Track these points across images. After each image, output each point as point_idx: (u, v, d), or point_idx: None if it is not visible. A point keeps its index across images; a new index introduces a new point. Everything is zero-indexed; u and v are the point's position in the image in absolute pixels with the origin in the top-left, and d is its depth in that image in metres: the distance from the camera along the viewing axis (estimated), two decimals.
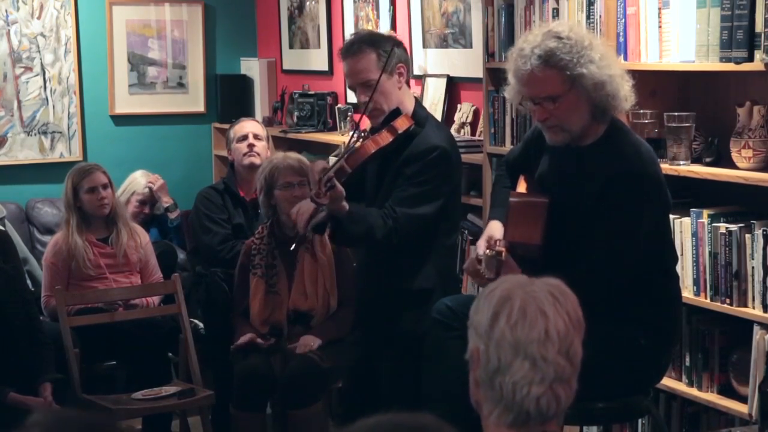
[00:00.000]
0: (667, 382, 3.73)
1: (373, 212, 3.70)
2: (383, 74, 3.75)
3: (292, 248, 4.22)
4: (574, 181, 3.16)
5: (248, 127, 5.27)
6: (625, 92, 3.12)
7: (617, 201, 3.05)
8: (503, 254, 3.06)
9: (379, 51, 3.80)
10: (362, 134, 3.80)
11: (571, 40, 3.06)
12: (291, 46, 6.61)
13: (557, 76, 3.06)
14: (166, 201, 5.78)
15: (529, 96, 3.13)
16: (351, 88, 3.93)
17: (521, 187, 3.32)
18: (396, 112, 3.78)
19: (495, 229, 3.30)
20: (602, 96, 3.07)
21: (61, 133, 6.46)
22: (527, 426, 1.81)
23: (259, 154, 5.15)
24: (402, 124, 3.74)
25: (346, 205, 3.62)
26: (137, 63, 6.68)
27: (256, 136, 5.21)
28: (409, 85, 3.95)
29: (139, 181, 5.79)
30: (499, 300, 1.84)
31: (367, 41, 3.85)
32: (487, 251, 3.09)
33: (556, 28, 3.13)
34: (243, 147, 5.17)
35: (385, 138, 3.70)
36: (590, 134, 3.16)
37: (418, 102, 3.95)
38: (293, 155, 4.59)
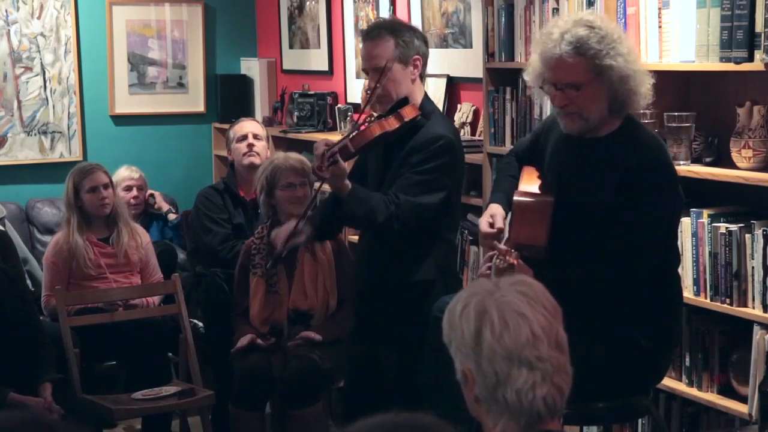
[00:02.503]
0: (667, 382, 3.73)
1: (376, 196, 3.72)
2: (398, 63, 3.76)
3: (268, 266, 4.28)
4: (589, 172, 3.15)
5: (248, 127, 5.27)
6: (645, 90, 3.12)
7: (638, 193, 3.05)
8: (516, 266, 3.04)
9: (399, 39, 3.81)
10: (368, 118, 3.82)
11: (602, 31, 3.07)
12: (291, 46, 6.61)
13: (585, 64, 3.06)
14: (165, 208, 5.84)
15: (553, 81, 3.13)
16: (364, 71, 3.94)
17: (527, 180, 3.31)
18: (404, 101, 3.79)
19: (496, 209, 3.30)
20: (625, 90, 3.08)
21: (61, 133, 6.46)
22: (537, 427, 1.82)
23: (258, 154, 5.15)
24: (409, 113, 3.75)
25: (348, 183, 3.65)
26: (137, 63, 6.68)
27: (255, 136, 5.21)
28: (423, 80, 3.96)
29: (121, 173, 5.80)
30: (477, 316, 1.84)
31: (389, 28, 3.86)
32: (498, 262, 3.07)
33: (587, 17, 3.14)
34: (242, 147, 5.17)
35: (391, 123, 3.71)
36: (605, 126, 3.16)
37: (427, 96, 3.96)
38: (295, 156, 4.59)
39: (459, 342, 1.86)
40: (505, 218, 3.30)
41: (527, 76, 3.27)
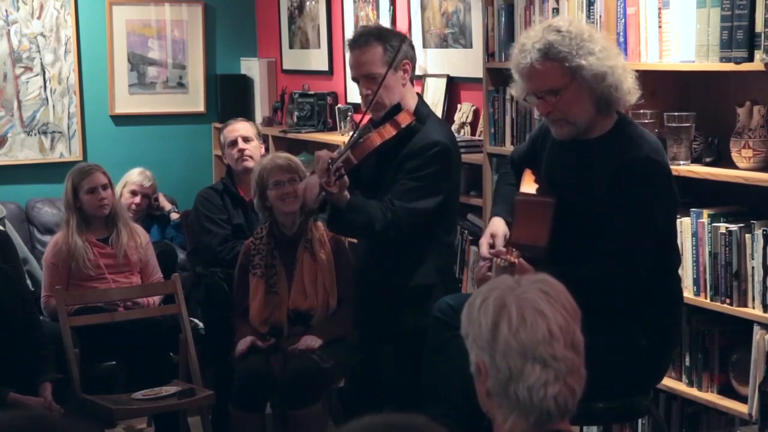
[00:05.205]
0: (667, 382, 3.73)
1: (373, 204, 3.72)
2: (388, 69, 3.76)
3: (301, 219, 4.21)
4: (584, 173, 3.16)
5: (236, 130, 5.24)
6: (629, 85, 3.13)
7: (629, 189, 3.05)
8: (516, 264, 3.05)
9: (386, 45, 3.81)
10: (366, 128, 3.81)
11: (570, 33, 3.08)
12: (291, 46, 6.61)
13: (557, 69, 3.08)
14: (168, 207, 5.84)
15: (532, 90, 3.15)
16: (354, 79, 3.93)
17: (527, 182, 3.32)
18: (397, 107, 3.80)
19: (497, 226, 3.31)
20: (604, 88, 3.08)
21: (61, 133, 6.46)
22: (547, 426, 1.82)
23: (251, 157, 5.15)
24: (404, 119, 3.75)
25: (347, 194, 3.64)
26: (137, 63, 6.68)
27: (245, 139, 5.20)
28: (413, 83, 3.96)
29: (134, 176, 5.82)
30: (495, 309, 1.84)
31: (375, 35, 3.86)
32: (499, 261, 3.08)
33: (556, 22, 3.16)
34: (234, 153, 5.18)
35: (389, 132, 3.72)
36: (597, 127, 3.17)
37: (421, 99, 3.96)
38: (282, 155, 4.61)
39: (476, 334, 1.86)
40: (506, 234, 3.30)
41: (513, 91, 3.30)
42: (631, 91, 3.14)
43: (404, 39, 3.90)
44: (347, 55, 3.96)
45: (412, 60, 3.89)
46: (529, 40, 3.12)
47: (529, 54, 3.09)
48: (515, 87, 3.25)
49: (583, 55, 3.06)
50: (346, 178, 3.60)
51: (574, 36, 3.08)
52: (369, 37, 3.85)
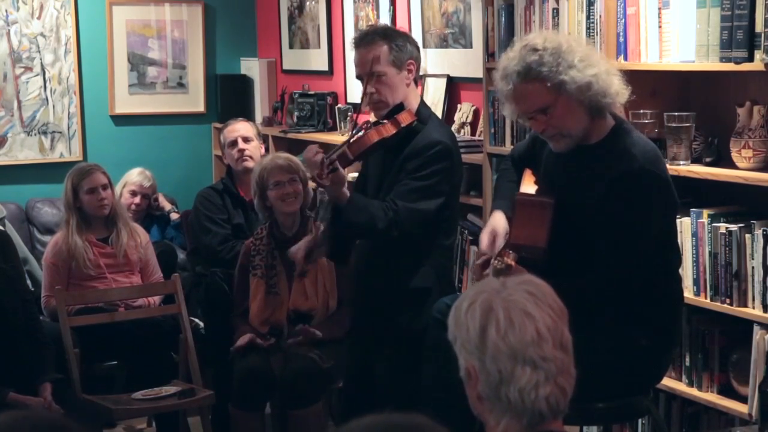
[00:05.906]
0: (667, 382, 3.73)
1: (374, 203, 3.72)
2: (393, 68, 3.76)
3: (296, 274, 4.33)
4: (580, 181, 3.16)
5: (236, 131, 5.24)
6: (616, 87, 3.11)
7: (623, 201, 3.05)
8: (512, 267, 3.04)
9: (392, 44, 3.81)
10: (365, 125, 3.81)
11: (547, 50, 3.06)
12: (291, 46, 6.61)
13: (540, 89, 3.07)
14: (167, 207, 5.84)
15: (521, 112, 3.15)
16: (358, 77, 3.93)
17: (527, 182, 3.32)
18: (399, 107, 3.80)
19: (499, 222, 3.30)
20: (591, 96, 3.07)
21: (61, 133, 6.46)
22: (539, 427, 1.82)
23: (251, 157, 5.15)
24: (405, 119, 3.75)
25: (347, 191, 3.65)
26: (137, 63, 6.68)
27: (245, 139, 5.20)
28: (417, 84, 3.96)
29: (134, 176, 5.82)
30: (482, 313, 1.84)
31: (381, 33, 3.86)
32: (495, 263, 3.07)
33: (532, 40, 3.13)
34: (234, 153, 5.18)
35: (389, 129, 3.71)
36: (595, 132, 3.16)
37: (423, 101, 3.96)
38: (282, 155, 4.62)
39: (464, 339, 1.86)
40: (507, 231, 3.30)
41: (504, 112, 3.29)
42: (619, 92, 3.13)
43: (409, 39, 3.91)
44: (350, 53, 3.96)
45: (417, 60, 3.89)
46: (509, 62, 3.11)
47: (510, 79, 3.09)
48: (505, 109, 3.24)
49: (563, 71, 3.05)
50: (341, 172, 3.59)
51: (552, 52, 3.06)
52: (375, 35, 3.85)
